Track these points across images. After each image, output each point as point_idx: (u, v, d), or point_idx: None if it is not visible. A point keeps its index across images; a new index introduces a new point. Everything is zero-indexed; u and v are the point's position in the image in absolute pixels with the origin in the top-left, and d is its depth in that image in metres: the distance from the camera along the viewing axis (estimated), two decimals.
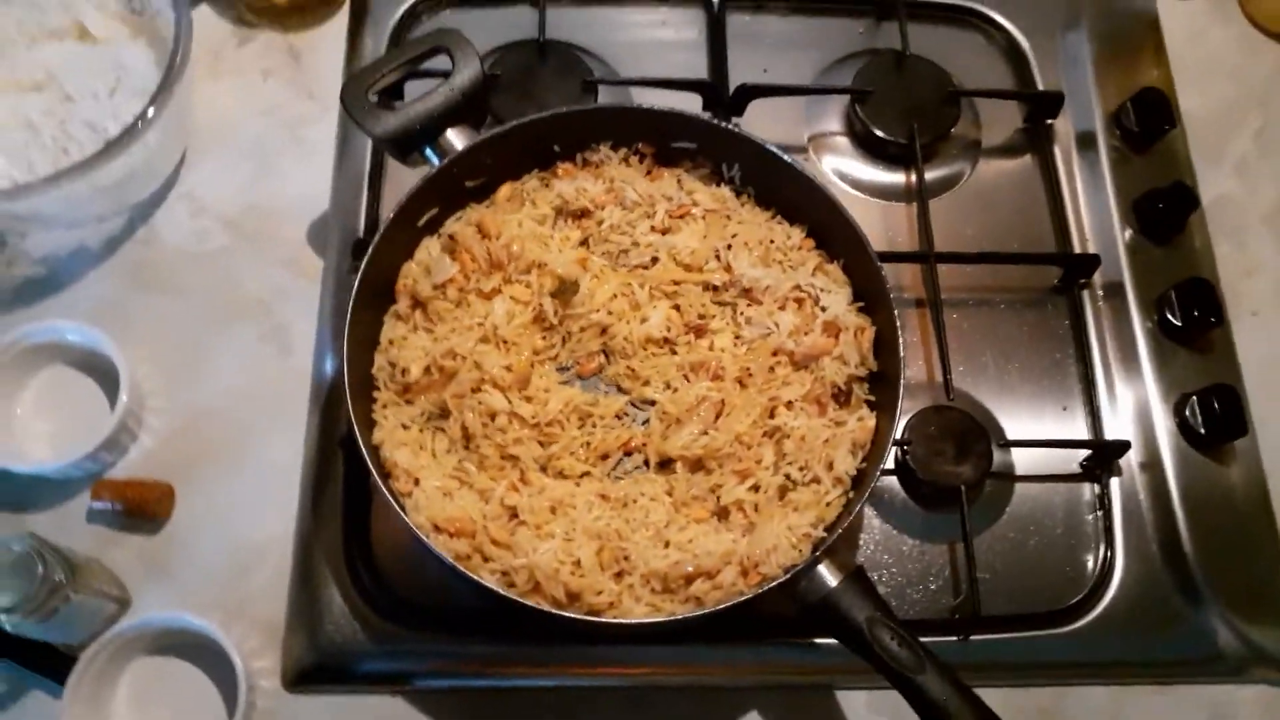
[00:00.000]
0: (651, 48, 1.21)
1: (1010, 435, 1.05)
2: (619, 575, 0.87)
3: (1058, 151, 1.18)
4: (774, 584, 0.84)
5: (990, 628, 0.97)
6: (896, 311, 0.91)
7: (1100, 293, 1.12)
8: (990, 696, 0.80)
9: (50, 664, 0.91)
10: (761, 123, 1.13)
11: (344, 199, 1.11)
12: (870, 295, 0.96)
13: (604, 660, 0.96)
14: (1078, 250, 1.14)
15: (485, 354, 0.93)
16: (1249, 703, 0.98)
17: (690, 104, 1.14)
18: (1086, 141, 1.18)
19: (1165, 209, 1.12)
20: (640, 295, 0.98)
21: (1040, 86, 1.21)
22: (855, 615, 0.82)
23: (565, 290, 0.96)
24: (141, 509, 0.97)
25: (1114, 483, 1.04)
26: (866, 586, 0.85)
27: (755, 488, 0.91)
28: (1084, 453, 1.04)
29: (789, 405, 0.93)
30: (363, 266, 0.91)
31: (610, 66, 1.19)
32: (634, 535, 0.89)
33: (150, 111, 0.97)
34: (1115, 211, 1.14)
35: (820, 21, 1.25)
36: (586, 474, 0.93)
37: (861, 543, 1.01)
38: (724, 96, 1.15)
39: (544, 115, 0.98)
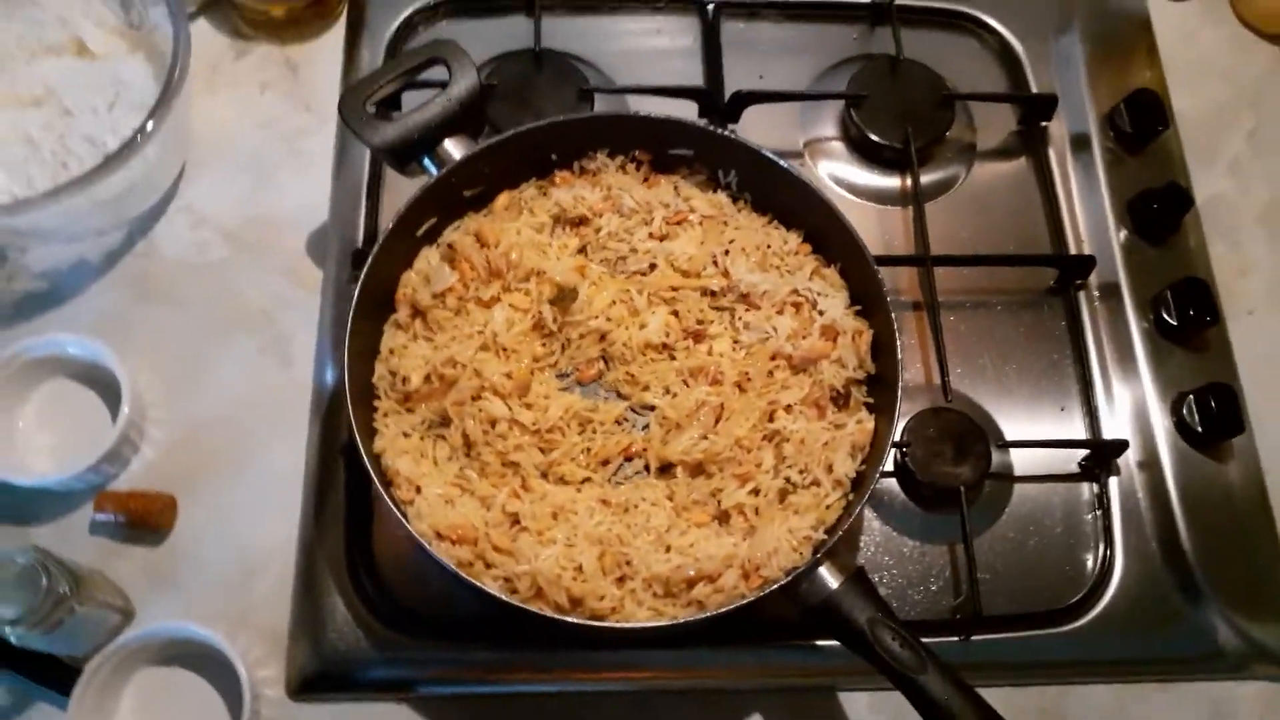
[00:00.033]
0: (647, 56, 1.22)
1: (1009, 436, 1.05)
2: (621, 580, 0.87)
3: (1052, 153, 1.19)
4: (775, 587, 0.84)
5: (991, 628, 0.97)
6: (894, 314, 0.92)
7: (1096, 293, 1.12)
8: (992, 696, 0.80)
9: (55, 676, 0.91)
10: (757, 129, 1.13)
11: (343, 210, 1.11)
12: (867, 298, 0.96)
13: (607, 665, 0.96)
14: (1073, 251, 1.14)
15: (485, 362, 0.93)
16: (1250, 699, 0.98)
17: (686, 111, 1.14)
18: (1080, 143, 1.19)
19: (1160, 209, 1.13)
20: (639, 301, 0.98)
21: (1034, 89, 1.22)
22: (857, 617, 0.82)
23: (564, 297, 0.97)
24: (144, 520, 0.97)
25: (1112, 482, 1.04)
26: (867, 588, 0.85)
27: (755, 491, 0.91)
28: (1082, 452, 1.05)
29: (788, 409, 0.93)
30: (362, 276, 0.91)
31: (606, 75, 1.19)
32: (635, 540, 0.89)
33: (149, 125, 0.97)
34: (1110, 212, 1.15)
35: (814, 27, 1.25)
36: (587, 480, 0.94)
37: (862, 544, 1.01)
38: (719, 103, 1.15)
39: (541, 124, 0.98)
